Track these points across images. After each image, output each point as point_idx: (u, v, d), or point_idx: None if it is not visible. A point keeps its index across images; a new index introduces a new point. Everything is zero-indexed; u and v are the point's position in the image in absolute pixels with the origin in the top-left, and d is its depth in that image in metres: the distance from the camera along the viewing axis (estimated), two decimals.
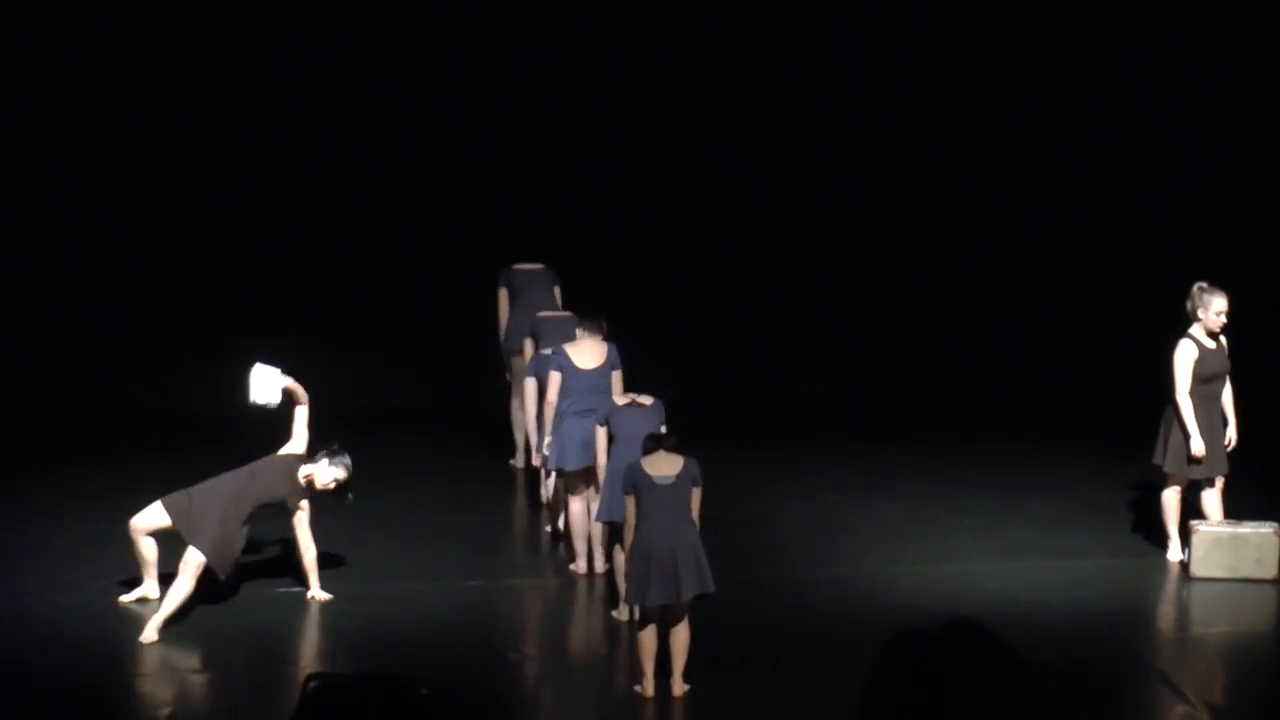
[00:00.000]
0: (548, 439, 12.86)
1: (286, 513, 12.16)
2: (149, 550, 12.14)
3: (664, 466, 10.62)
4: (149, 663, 11.47)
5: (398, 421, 16.54)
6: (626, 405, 11.82)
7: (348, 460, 12.29)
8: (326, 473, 12.24)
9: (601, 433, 11.98)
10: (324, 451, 12.27)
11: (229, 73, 17.45)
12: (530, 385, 13.40)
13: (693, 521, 10.66)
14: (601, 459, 11.97)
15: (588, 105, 17.90)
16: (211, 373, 16.90)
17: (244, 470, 12.15)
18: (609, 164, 17.92)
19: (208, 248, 17.35)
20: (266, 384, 12.31)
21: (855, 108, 18.21)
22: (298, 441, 12.35)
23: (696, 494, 10.68)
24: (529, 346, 13.97)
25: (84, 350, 16.96)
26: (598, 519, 12.32)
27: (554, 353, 12.88)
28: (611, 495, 11.67)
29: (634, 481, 10.61)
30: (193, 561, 11.80)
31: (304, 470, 12.21)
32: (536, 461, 13.59)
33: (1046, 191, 18.41)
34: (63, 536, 13.47)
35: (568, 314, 13.82)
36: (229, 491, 12.00)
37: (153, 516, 12.07)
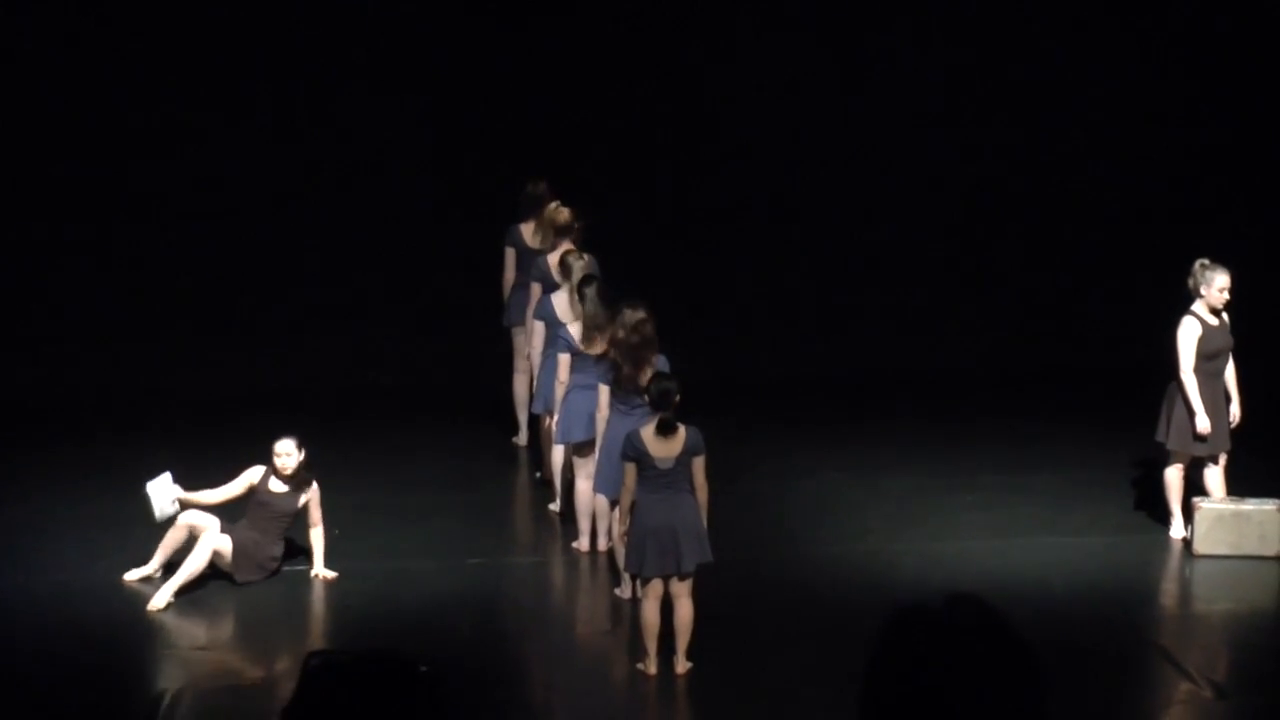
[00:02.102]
0: (556, 416, 12.94)
1: (308, 509, 12.30)
2: (176, 538, 12.16)
3: (663, 447, 10.61)
4: (152, 641, 11.48)
5: (399, 399, 16.53)
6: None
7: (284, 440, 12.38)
8: (281, 452, 12.26)
9: (604, 391, 12.00)
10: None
11: (219, 44, 17.42)
12: (539, 327, 13.53)
13: (693, 491, 10.65)
14: (604, 411, 11.99)
15: (595, 68, 17.87)
16: (213, 352, 16.94)
17: (245, 522, 12.28)
18: (616, 134, 17.88)
19: (209, 225, 17.33)
20: (162, 496, 12.28)
21: (858, 90, 18.18)
22: (236, 487, 12.32)
23: (699, 463, 10.66)
24: (536, 290, 14.03)
25: (84, 330, 16.95)
26: (596, 490, 12.33)
27: (560, 333, 12.90)
28: (609, 469, 11.73)
29: (635, 453, 10.60)
30: (213, 541, 11.91)
31: (274, 478, 12.25)
32: (536, 409, 13.82)
33: (1049, 170, 18.39)
34: (62, 516, 13.46)
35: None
36: (252, 536, 12.24)
37: (202, 520, 12.13)
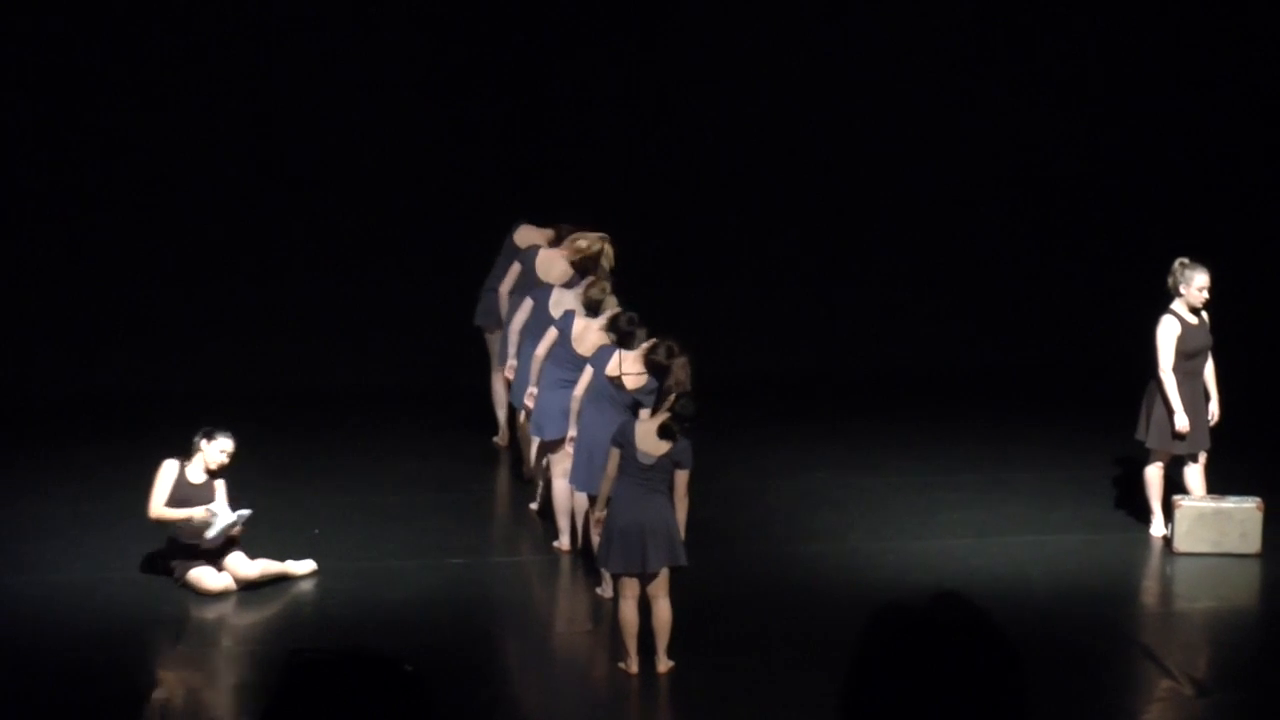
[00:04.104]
0: (532, 388, 12.90)
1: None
2: (265, 565, 12.30)
3: (652, 444, 10.67)
4: (133, 640, 11.47)
5: (381, 399, 16.51)
6: (614, 377, 11.84)
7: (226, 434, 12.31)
8: (214, 450, 12.23)
9: (588, 373, 11.97)
10: (201, 435, 12.26)
11: (206, 48, 17.40)
12: (526, 303, 13.47)
13: (669, 496, 10.67)
14: (580, 390, 11.98)
15: (580, 72, 17.87)
16: (198, 352, 16.91)
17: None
18: (601, 136, 17.88)
19: (195, 227, 17.32)
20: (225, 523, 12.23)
21: (841, 88, 18.20)
22: (165, 488, 12.29)
23: (682, 476, 10.71)
24: (516, 269, 14.00)
25: (69, 328, 16.92)
26: (571, 482, 12.31)
27: (563, 315, 12.87)
28: (585, 463, 11.75)
29: (623, 439, 10.66)
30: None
31: (198, 469, 12.24)
32: (516, 401, 13.64)
33: (1030, 168, 18.42)
34: (47, 516, 13.43)
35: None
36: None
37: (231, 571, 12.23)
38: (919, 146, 18.21)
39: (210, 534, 12.11)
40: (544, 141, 17.66)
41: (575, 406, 12.05)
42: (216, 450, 12.22)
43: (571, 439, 12.17)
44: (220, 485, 12.30)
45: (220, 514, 12.16)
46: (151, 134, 17.24)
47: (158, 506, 12.13)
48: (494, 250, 14.81)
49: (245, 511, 12.22)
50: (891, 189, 18.22)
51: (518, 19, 17.87)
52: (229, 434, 12.28)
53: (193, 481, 12.22)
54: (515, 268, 14.06)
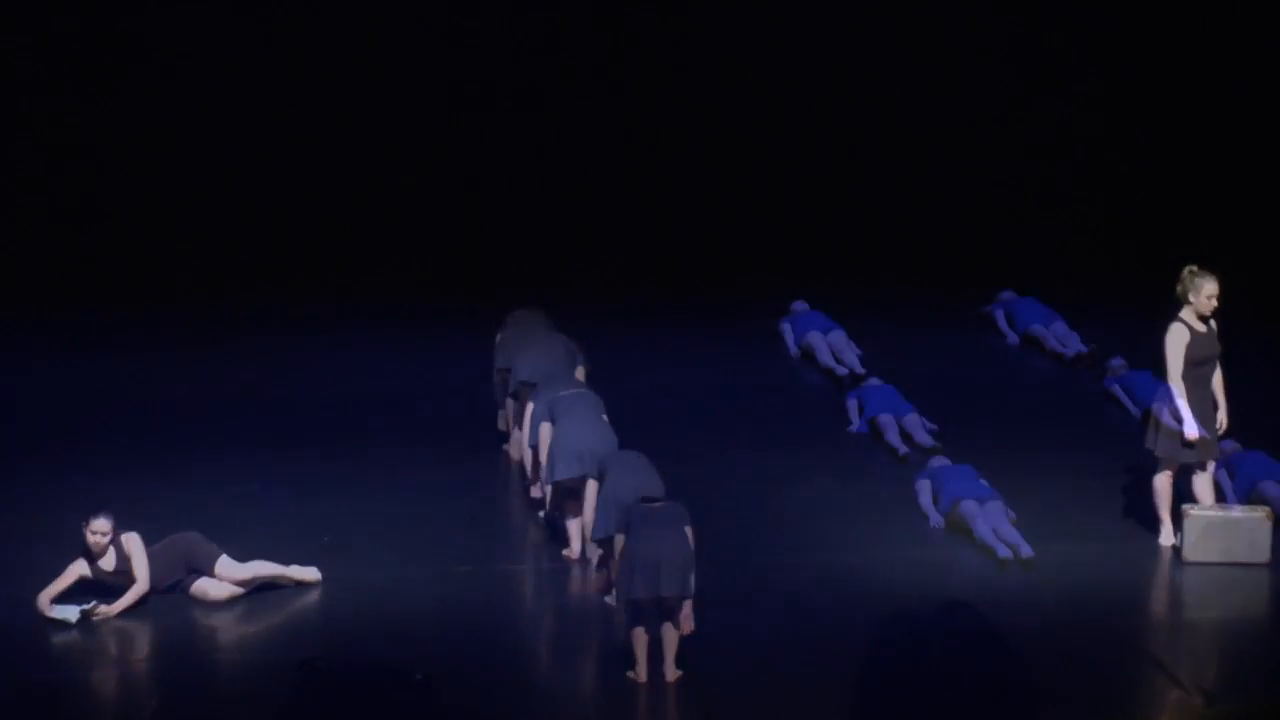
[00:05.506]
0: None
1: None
2: (259, 567, 12.28)
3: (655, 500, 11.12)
4: (138, 651, 11.47)
5: (390, 405, 16.53)
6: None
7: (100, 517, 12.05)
8: (90, 534, 12.00)
9: (592, 486, 12.12)
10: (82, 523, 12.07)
11: (230, 61, 17.44)
12: (528, 409, 13.58)
13: (684, 532, 10.79)
14: (591, 498, 12.20)
15: (578, 64, 17.93)
16: (203, 356, 16.93)
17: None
18: (607, 135, 17.91)
19: (197, 232, 17.34)
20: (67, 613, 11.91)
21: (841, 91, 18.20)
22: (141, 575, 12.12)
23: (687, 534, 10.86)
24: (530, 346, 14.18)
25: (75, 331, 16.95)
26: (592, 538, 12.40)
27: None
28: (606, 512, 11.91)
29: (628, 519, 10.83)
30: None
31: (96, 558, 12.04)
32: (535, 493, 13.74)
33: (1041, 175, 18.43)
34: (40, 526, 13.43)
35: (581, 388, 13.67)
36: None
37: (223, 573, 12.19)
38: (920, 150, 18.20)
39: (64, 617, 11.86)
40: (545, 143, 17.68)
41: (588, 521, 12.23)
42: (89, 534, 11.99)
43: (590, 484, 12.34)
44: (132, 541, 12.02)
45: (65, 610, 11.84)
46: (158, 140, 17.26)
47: (44, 599, 11.83)
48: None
49: (85, 607, 11.88)
50: (904, 192, 18.22)
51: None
52: (103, 515, 12.00)
53: (105, 569, 12.03)
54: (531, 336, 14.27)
